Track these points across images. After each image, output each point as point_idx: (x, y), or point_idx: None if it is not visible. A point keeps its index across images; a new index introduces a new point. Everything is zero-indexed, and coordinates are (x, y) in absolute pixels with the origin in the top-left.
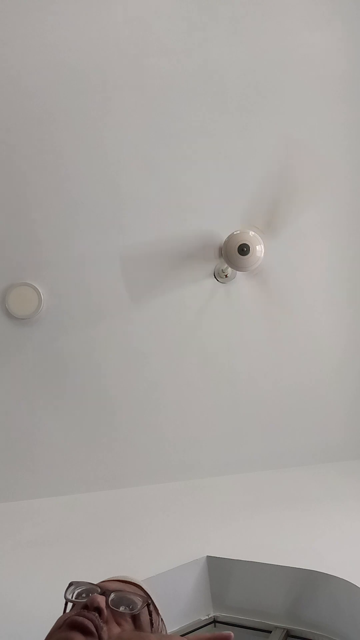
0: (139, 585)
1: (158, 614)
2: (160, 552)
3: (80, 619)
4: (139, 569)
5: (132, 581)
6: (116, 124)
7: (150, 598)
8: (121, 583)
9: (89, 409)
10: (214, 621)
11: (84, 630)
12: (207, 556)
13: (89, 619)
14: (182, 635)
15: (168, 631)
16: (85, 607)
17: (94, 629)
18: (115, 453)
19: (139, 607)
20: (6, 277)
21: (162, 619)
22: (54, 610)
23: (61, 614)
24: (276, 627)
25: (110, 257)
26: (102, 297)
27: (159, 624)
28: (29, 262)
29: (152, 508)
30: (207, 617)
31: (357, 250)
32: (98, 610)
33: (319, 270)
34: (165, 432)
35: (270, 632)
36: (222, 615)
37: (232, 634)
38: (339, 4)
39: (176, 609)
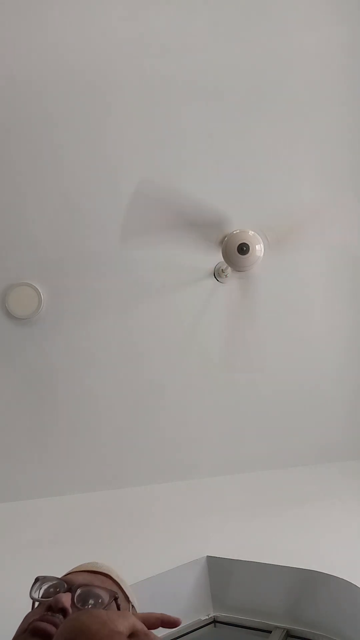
0: (107, 574)
1: (129, 601)
2: (160, 552)
3: (43, 624)
4: (139, 569)
5: (101, 570)
6: (116, 124)
7: (120, 586)
8: (89, 574)
9: (89, 408)
10: (214, 621)
11: (48, 637)
12: (207, 556)
13: (52, 624)
14: (181, 636)
15: (168, 631)
16: (50, 607)
17: None
18: (115, 453)
19: (106, 602)
20: (6, 277)
21: (133, 606)
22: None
23: None
24: (276, 627)
25: (110, 256)
26: (101, 297)
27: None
28: (29, 262)
29: (152, 508)
30: (207, 617)
31: (357, 249)
32: (62, 611)
33: (318, 269)
34: (166, 432)
35: (270, 632)
36: (222, 615)
37: (180, 620)
38: (339, 4)
39: (176, 609)
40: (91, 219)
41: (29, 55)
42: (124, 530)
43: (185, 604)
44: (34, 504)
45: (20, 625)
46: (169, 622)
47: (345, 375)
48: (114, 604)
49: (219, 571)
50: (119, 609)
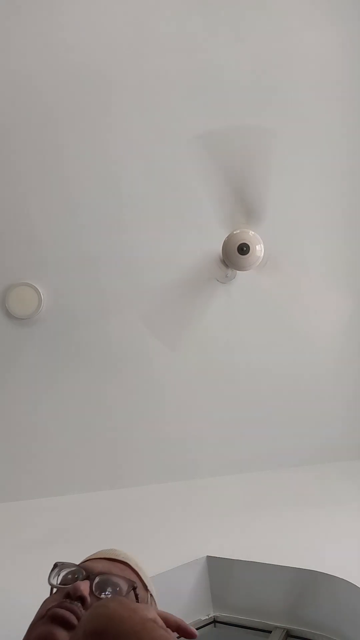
0: (126, 562)
1: (147, 590)
2: (160, 552)
3: (62, 611)
4: None
5: (119, 558)
6: (116, 124)
7: (139, 575)
8: (108, 562)
9: (89, 408)
10: (214, 621)
11: (66, 624)
12: (207, 556)
13: (71, 611)
14: (181, 637)
15: None
16: (68, 595)
17: (76, 622)
18: (115, 453)
19: (124, 592)
20: (6, 277)
21: (151, 595)
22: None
23: None
24: (276, 627)
25: (110, 257)
26: (102, 297)
27: (146, 603)
28: (29, 262)
29: (153, 508)
30: (207, 617)
31: (355, 248)
32: (81, 599)
33: (317, 268)
34: (165, 432)
35: (270, 632)
36: (222, 615)
37: (197, 634)
38: (339, 4)
39: (176, 609)
40: (92, 219)
41: (29, 56)
42: (124, 530)
43: (185, 604)
44: (34, 504)
45: (39, 610)
46: (185, 631)
47: (345, 375)
48: (132, 594)
49: (219, 571)
50: (137, 598)
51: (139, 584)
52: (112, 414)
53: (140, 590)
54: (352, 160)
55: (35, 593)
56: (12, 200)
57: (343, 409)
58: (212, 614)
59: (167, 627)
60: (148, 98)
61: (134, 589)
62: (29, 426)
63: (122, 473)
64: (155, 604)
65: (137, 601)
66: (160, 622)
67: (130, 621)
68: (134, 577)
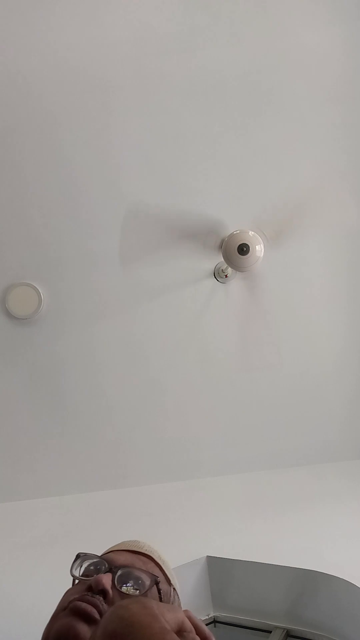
0: (149, 555)
1: (170, 584)
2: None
3: (84, 605)
4: None
5: (142, 550)
6: (117, 124)
7: (162, 568)
8: (131, 554)
9: (89, 408)
10: (214, 621)
11: (87, 617)
12: (207, 556)
13: (92, 604)
14: None
15: None
16: (90, 588)
17: (97, 616)
18: (115, 453)
19: (147, 586)
20: (6, 277)
21: (174, 589)
22: (54, 610)
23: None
24: (276, 627)
25: (110, 256)
26: (102, 297)
27: (169, 598)
28: (29, 262)
29: (153, 508)
30: (207, 617)
31: (356, 248)
32: (103, 592)
33: (317, 269)
34: (166, 432)
35: (270, 632)
36: (222, 615)
37: None
38: (339, 4)
39: None
40: (91, 218)
41: (29, 56)
42: (124, 530)
43: (185, 604)
44: (34, 504)
45: (61, 601)
46: None
47: (345, 375)
48: (154, 589)
49: (219, 571)
50: (159, 593)
51: (161, 578)
52: (112, 413)
53: (163, 585)
54: (352, 160)
55: (35, 593)
56: (12, 200)
57: (343, 409)
58: (212, 614)
59: (197, 633)
60: (148, 98)
61: (157, 583)
62: (29, 426)
63: (122, 473)
64: (179, 597)
65: (160, 596)
66: (189, 626)
67: (150, 629)
68: (156, 571)
